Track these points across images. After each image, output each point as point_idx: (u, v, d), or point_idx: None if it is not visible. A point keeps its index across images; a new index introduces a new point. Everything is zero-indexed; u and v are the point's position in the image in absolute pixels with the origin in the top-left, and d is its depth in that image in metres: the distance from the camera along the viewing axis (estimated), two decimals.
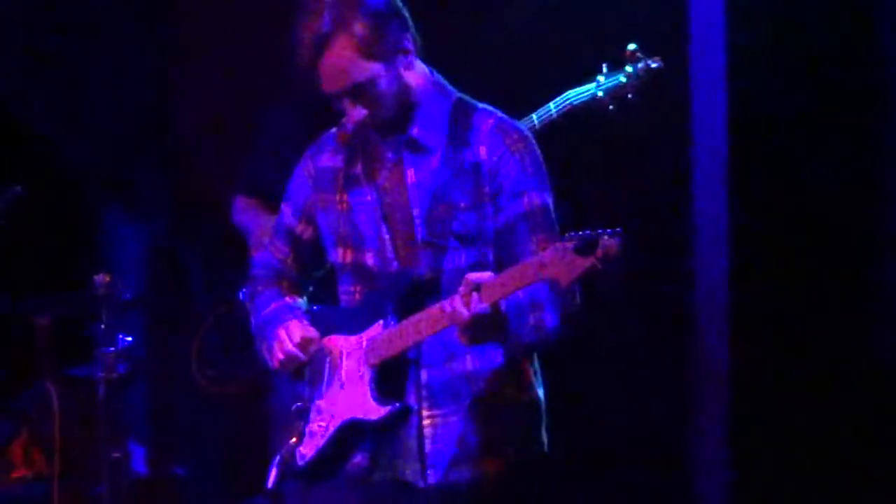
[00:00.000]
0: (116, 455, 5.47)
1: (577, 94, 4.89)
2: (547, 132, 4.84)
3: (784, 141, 5.37)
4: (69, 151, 6.53)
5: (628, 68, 4.87)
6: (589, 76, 4.91)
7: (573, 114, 4.89)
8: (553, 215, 3.80)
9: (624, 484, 5.49)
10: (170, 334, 6.42)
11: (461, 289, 3.57)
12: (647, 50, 4.92)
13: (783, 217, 5.35)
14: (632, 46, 4.87)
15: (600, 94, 4.87)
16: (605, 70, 4.88)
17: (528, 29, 5.63)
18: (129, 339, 5.44)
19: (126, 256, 6.60)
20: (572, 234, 3.46)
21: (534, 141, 3.84)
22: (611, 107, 4.88)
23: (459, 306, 3.56)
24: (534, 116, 4.88)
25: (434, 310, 3.66)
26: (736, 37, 5.39)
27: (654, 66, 4.87)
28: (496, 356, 3.79)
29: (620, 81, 4.87)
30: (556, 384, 3.96)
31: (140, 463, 6.19)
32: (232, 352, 5.21)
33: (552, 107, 4.88)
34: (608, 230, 3.42)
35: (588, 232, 3.43)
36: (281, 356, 3.87)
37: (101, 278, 5.30)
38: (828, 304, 5.30)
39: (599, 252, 3.41)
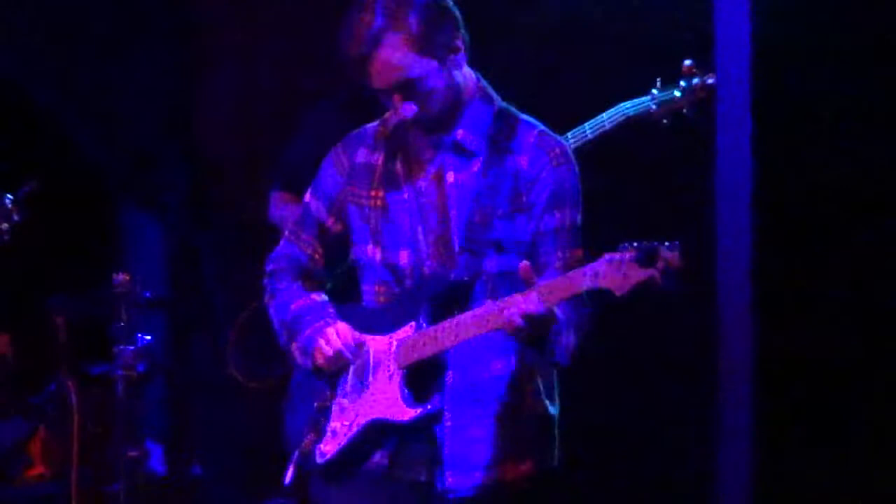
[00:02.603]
0: (134, 454, 5.47)
1: (631, 105, 4.90)
2: (598, 143, 4.89)
3: (812, 159, 5.33)
4: (91, 151, 6.54)
5: (683, 83, 4.88)
6: (644, 90, 4.93)
7: (625, 126, 4.90)
8: (580, 234, 3.80)
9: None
10: (189, 334, 6.50)
11: (524, 293, 3.57)
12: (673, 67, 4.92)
13: (811, 235, 5.32)
14: (688, 62, 4.86)
15: (654, 107, 4.88)
16: (658, 84, 4.90)
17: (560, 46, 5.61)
18: (148, 337, 5.46)
19: (146, 256, 6.61)
20: (626, 244, 3.45)
21: (573, 157, 3.84)
22: (664, 121, 4.89)
23: (522, 303, 3.56)
24: (586, 126, 4.89)
25: (485, 310, 3.65)
26: (762, 52, 5.37)
27: (710, 81, 4.85)
28: (518, 365, 3.79)
29: (675, 96, 4.87)
30: (578, 398, 3.98)
31: (158, 462, 6.19)
32: (267, 346, 5.21)
33: (605, 118, 4.90)
34: (665, 243, 3.41)
35: (644, 243, 3.42)
36: (330, 353, 3.81)
37: (121, 277, 5.33)
38: (859, 330, 5.25)
39: (660, 264, 3.40)
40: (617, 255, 3.46)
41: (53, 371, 5.87)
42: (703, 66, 4.86)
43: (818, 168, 5.27)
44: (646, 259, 3.40)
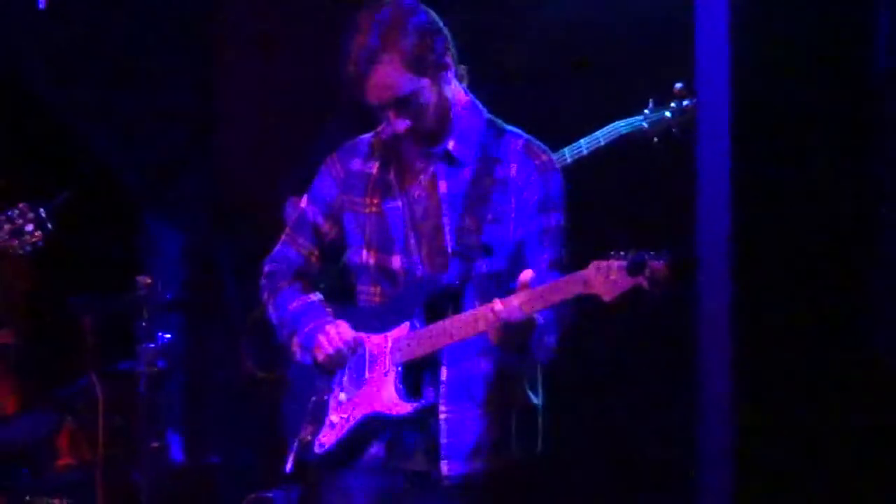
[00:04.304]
0: (156, 444, 5.65)
1: (624, 124, 5.03)
2: (593, 158, 5.03)
3: (792, 171, 5.48)
4: (118, 164, 6.61)
5: (673, 104, 5.00)
6: (637, 110, 5.07)
7: (619, 143, 5.02)
8: (565, 235, 3.92)
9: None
10: (206, 332, 6.60)
11: (516, 296, 3.69)
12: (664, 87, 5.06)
13: (790, 244, 5.46)
14: (678, 85, 4.99)
15: (646, 126, 5.02)
16: (651, 105, 5.04)
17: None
18: (169, 336, 5.62)
19: (167, 260, 6.69)
20: (614, 252, 3.58)
21: (558, 163, 3.99)
22: (655, 139, 5.02)
23: (504, 312, 3.68)
24: (582, 143, 5.01)
25: (474, 314, 3.77)
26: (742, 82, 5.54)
27: None
28: (505, 361, 3.93)
29: (665, 116, 5.00)
30: (563, 389, 4.08)
31: (178, 452, 6.36)
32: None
33: (600, 135, 5.02)
34: (652, 252, 3.54)
35: (633, 252, 3.54)
36: (331, 350, 3.91)
37: (143, 280, 5.50)
38: (835, 330, 5.36)
39: (648, 272, 3.51)
40: (605, 263, 3.60)
41: (81, 367, 5.95)
42: (693, 89, 4.89)
43: (798, 180, 5.46)
44: (634, 268, 3.53)
